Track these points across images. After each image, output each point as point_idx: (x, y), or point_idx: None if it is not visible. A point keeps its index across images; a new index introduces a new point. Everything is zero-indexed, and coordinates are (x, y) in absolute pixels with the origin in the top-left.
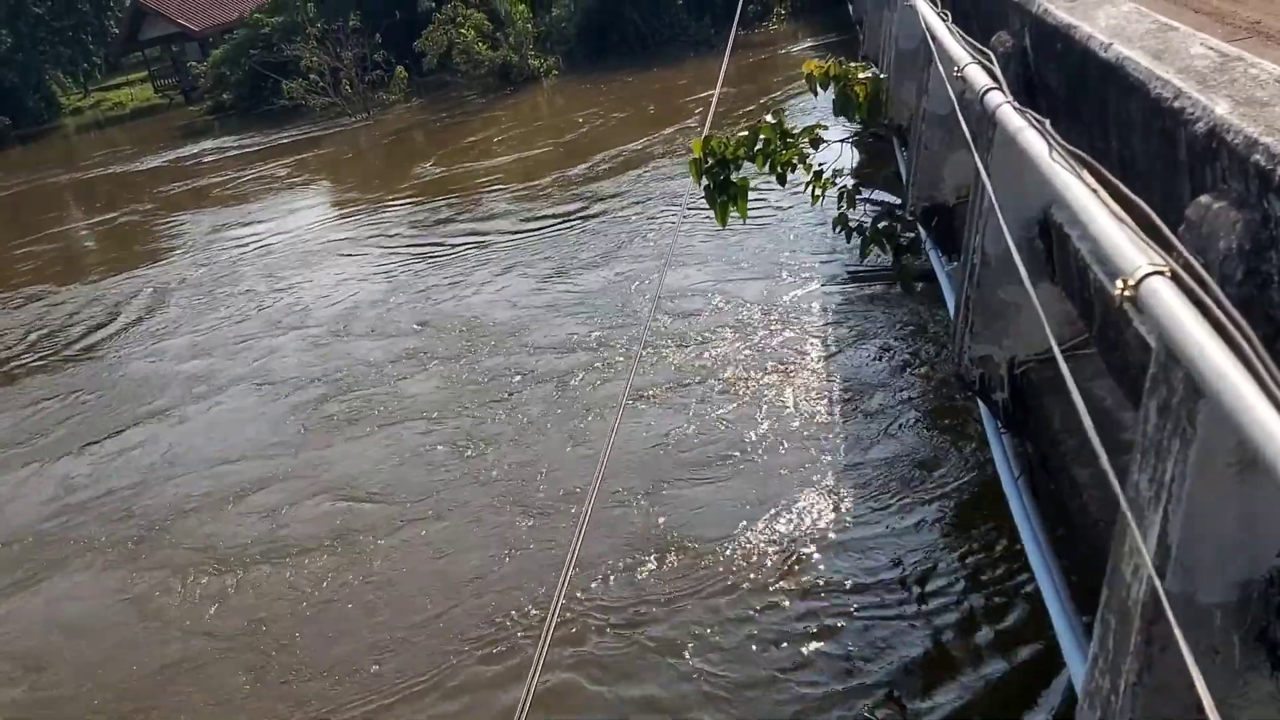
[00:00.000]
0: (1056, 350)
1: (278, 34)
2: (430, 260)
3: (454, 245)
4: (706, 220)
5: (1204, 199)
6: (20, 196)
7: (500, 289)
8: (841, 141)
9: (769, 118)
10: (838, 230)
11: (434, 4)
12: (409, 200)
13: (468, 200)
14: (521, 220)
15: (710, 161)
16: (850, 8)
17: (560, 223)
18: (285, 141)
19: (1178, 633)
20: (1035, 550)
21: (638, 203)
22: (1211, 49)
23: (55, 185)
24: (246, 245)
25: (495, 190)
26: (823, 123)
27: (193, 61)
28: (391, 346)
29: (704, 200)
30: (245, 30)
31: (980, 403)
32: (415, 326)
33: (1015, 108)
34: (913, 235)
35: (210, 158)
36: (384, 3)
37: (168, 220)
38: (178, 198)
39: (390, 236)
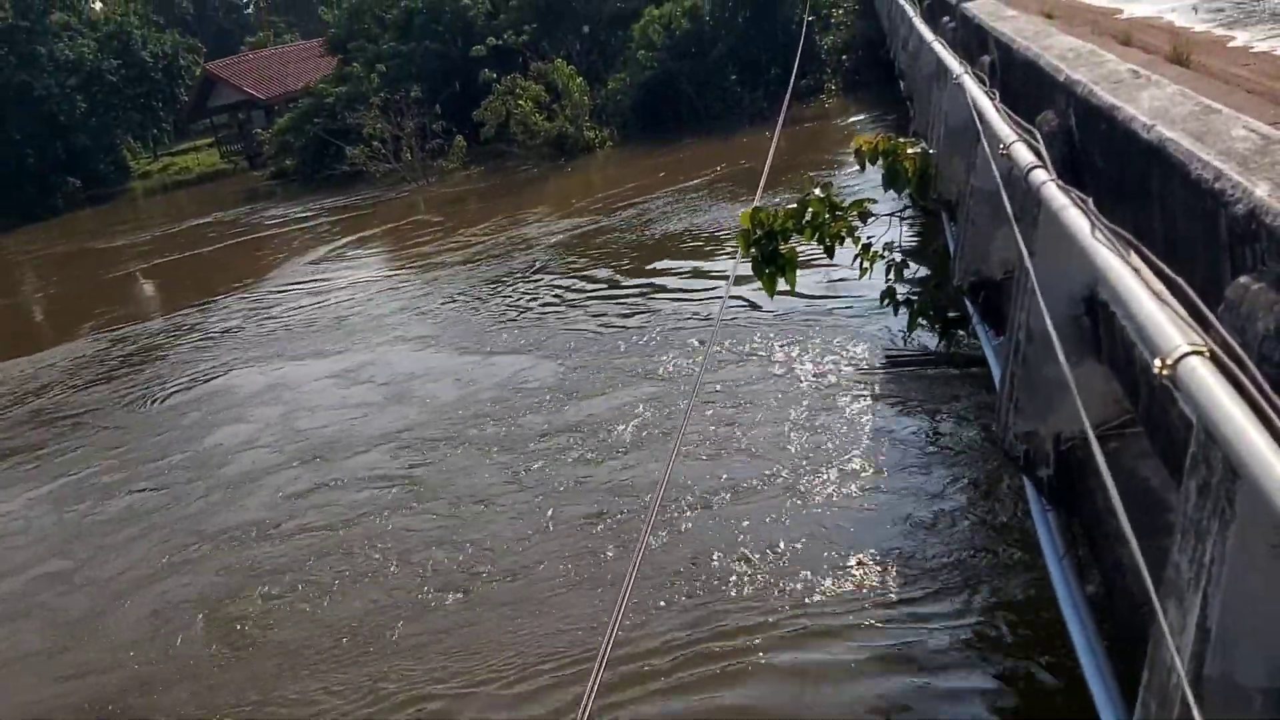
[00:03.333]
0: (1090, 432)
1: (341, 103)
2: (465, 325)
3: (490, 307)
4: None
5: (1243, 280)
6: (62, 257)
7: (551, 355)
8: (890, 215)
9: (818, 191)
10: (885, 303)
11: (494, 76)
12: (459, 262)
13: (514, 263)
14: (567, 285)
15: (759, 233)
16: (901, 84)
17: (611, 289)
18: (343, 204)
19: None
20: (1078, 629)
21: (685, 275)
22: (1253, 131)
23: (95, 248)
24: (285, 309)
25: (542, 254)
26: (871, 197)
27: (258, 129)
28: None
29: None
30: (310, 100)
31: (1025, 479)
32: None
33: (1059, 186)
34: (960, 311)
35: (270, 219)
36: (445, 74)
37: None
38: (223, 253)
39: (434, 294)
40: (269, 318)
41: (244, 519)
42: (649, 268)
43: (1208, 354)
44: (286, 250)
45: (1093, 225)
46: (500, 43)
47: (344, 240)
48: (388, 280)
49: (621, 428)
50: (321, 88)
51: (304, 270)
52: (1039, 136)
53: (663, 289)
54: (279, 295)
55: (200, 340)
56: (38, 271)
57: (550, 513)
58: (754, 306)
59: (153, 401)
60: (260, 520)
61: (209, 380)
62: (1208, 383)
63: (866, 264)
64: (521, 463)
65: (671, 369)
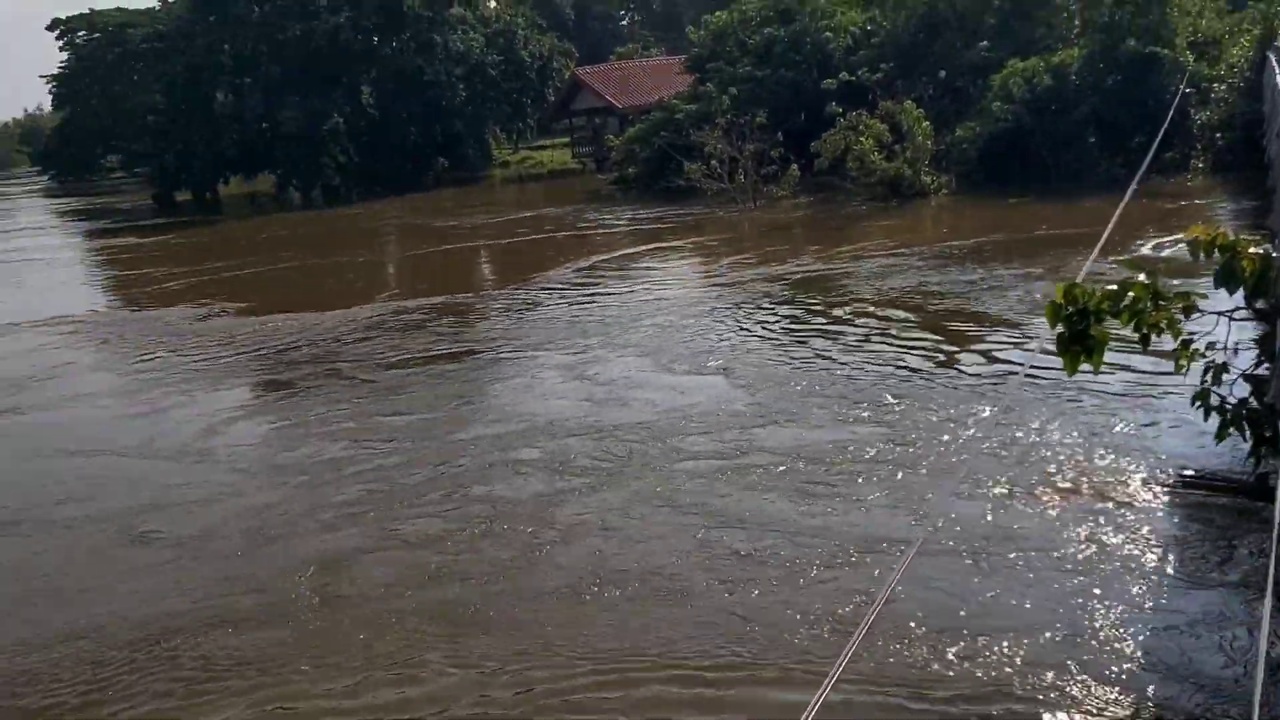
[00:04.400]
0: None
1: (690, 120)
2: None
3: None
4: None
5: None
6: (402, 228)
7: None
8: (1219, 314)
9: (1142, 276)
10: (1196, 405)
11: (840, 110)
12: (731, 284)
13: (826, 297)
14: (841, 324)
15: (1070, 310)
16: (1269, 175)
17: (880, 335)
18: (666, 214)
19: None
20: None
21: (977, 329)
22: None
23: (432, 225)
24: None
25: (851, 293)
26: (1200, 291)
27: (610, 135)
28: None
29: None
30: (661, 113)
31: None
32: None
33: None
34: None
35: (590, 220)
36: (793, 103)
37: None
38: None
39: (689, 311)
40: (532, 310)
41: (436, 484)
42: (941, 320)
43: None
44: (582, 250)
45: None
46: (854, 78)
47: (640, 248)
48: (656, 291)
49: (825, 469)
50: (674, 103)
51: (587, 271)
52: None
53: (939, 348)
54: (553, 290)
55: (461, 321)
56: (380, 238)
57: (716, 536)
58: (1044, 379)
59: (408, 365)
60: (448, 487)
61: (458, 356)
62: None
63: (1184, 361)
64: (715, 479)
65: (913, 420)
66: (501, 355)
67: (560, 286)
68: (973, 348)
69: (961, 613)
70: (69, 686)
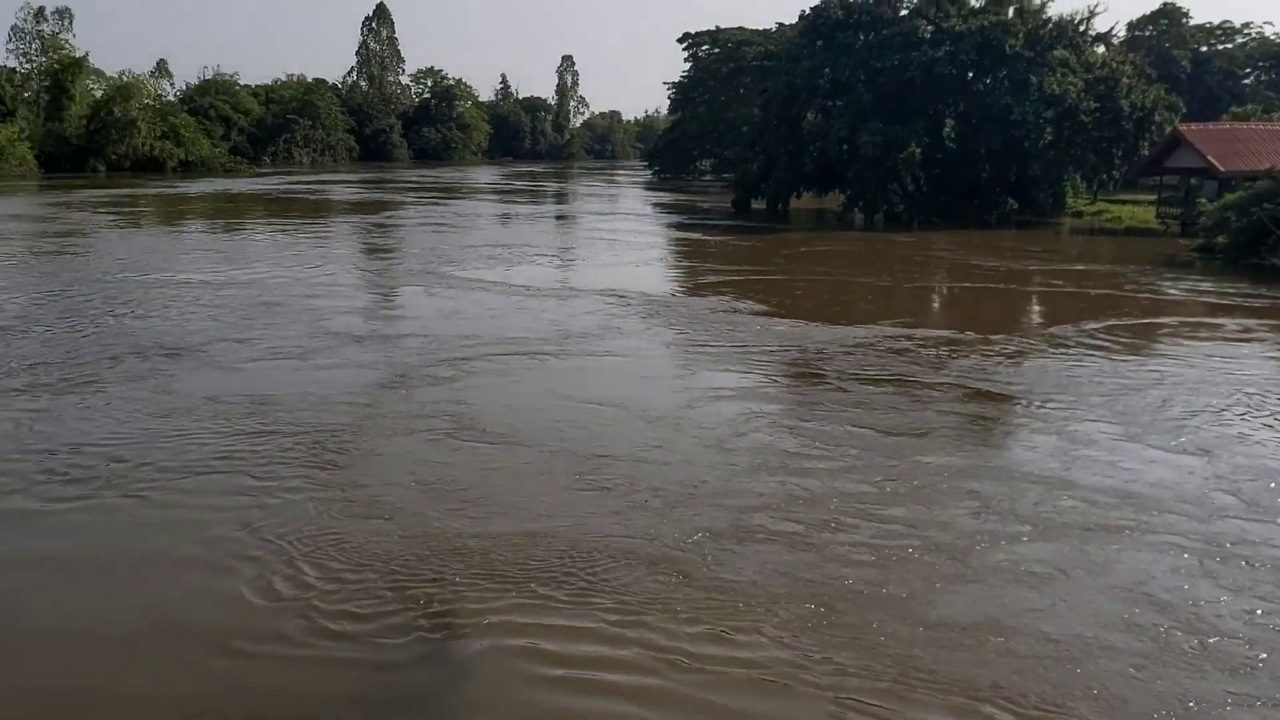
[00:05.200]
0: None
1: None
2: None
3: None
4: None
5: None
6: (934, 260)
7: None
8: None
9: None
10: None
11: None
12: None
13: None
14: None
15: None
16: None
17: None
18: (1234, 292)
19: None
20: None
21: None
22: None
23: (966, 262)
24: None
25: None
26: None
27: (1203, 198)
28: None
29: None
30: (1269, 183)
31: None
32: None
33: None
34: None
35: (1138, 284)
36: None
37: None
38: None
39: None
40: (1026, 357)
41: (874, 498)
42: None
43: None
44: (1115, 310)
45: None
46: None
47: (1179, 320)
48: (1164, 365)
49: None
50: None
51: (1103, 332)
52: None
53: None
54: (1057, 343)
55: (952, 357)
56: (917, 267)
57: (1149, 619)
58: None
59: (888, 385)
60: (885, 503)
61: (937, 386)
62: None
63: None
64: (1166, 558)
65: None
66: (978, 394)
67: (1066, 342)
68: None
69: None
70: (479, 573)
